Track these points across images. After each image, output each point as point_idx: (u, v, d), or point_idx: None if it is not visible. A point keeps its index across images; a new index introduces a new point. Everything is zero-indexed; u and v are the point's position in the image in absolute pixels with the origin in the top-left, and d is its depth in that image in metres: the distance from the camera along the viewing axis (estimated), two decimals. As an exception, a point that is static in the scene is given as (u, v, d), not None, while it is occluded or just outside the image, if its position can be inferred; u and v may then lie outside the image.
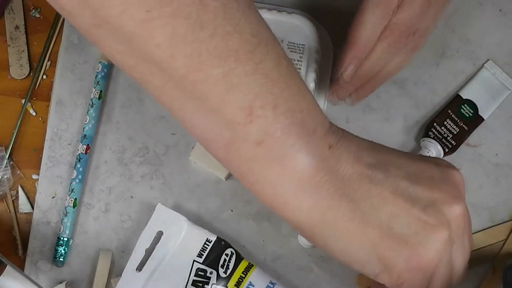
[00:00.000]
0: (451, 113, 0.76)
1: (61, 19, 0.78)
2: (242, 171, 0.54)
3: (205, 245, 0.71)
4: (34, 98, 0.77)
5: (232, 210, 0.74)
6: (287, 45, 0.74)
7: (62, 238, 0.72)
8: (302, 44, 0.74)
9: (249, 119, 0.52)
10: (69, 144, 0.75)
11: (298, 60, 0.73)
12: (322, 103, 0.75)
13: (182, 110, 0.53)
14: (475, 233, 0.74)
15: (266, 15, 0.74)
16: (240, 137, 0.52)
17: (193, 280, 0.70)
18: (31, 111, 0.77)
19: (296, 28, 0.74)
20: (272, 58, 0.52)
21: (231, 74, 0.50)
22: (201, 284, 0.70)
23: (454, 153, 0.75)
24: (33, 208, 0.74)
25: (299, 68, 0.73)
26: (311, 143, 0.53)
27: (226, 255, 0.71)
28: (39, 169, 0.75)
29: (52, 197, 0.74)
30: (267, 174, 0.54)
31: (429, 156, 0.61)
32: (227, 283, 0.70)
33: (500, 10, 0.79)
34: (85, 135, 0.74)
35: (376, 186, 0.55)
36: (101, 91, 0.75)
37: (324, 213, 0.54)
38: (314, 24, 0.74)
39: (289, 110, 0.52)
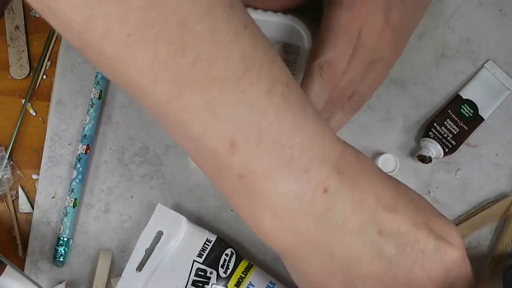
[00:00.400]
0: (451, 113, 0.76)
1: (61, 19, 0.78)
2: (226, 195, 0.53)
3: (205, 245, 0.71)
4: (34, 98, 0.77)
5: (232, 210, 0.74)
6: (283, 47, 0.73)
7: (62, 238, 0.72)
8: (297, 46, 0.74)
9: (231, 152, 0.49)
10: (69, 144, 0.75)
11: (292, 62, 0.73)
12: None
13: (170, 132, 0.51)
14: (462, 222, 0.75)
15: (261, 16, 0.73)
16: (223, 167, 0.50)
17: (193, 280, 0.70)
18: (31, 111, 0.77)
19: (291, 30, 0.74)
20: (263, 85, 0.49)
21: (213, 103, 0.48)
22: (201, 284, 0.70)
23: (454, 153, 0.75)
24: (33, 208, 0.74)
25: (293, 70, 0.73)
26: (298, 185, 0.50)
27: (226, 255, 0.71)
28: (39, 169, 0.75)
29: (52, 197, 0.74)
30: (247, 205, 0.52)
31: (442, 218, 0.57)
32: (227, 283, 0.70)
33: (500, 10, 0.79)
34: (85, 135, 0.74)
35: (360, 246, 0.52)
36: (101, 91, 0.75)
37: (297, 255, 0.53)
38: (309, 25, 0.74)
39: (275, 145, 0.49)
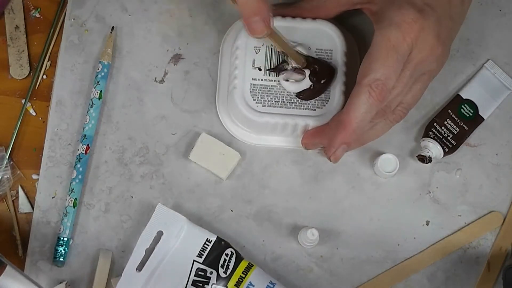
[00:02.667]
0: (451, 113, 0.76)
1: (61, 19, 0.78)
2: None
3: (205, 245, 0.71)
4: (34, 98, 0.77)
5: (232, 210, 0.74)
6: (315, 51, 0.73)
7: (62, 238, 0.72)
8: (330, 50, 0.74)
9: None
10: (69, 144, 0.75)
11: None
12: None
13: None
14: (462, 228, 0.75)
15: (291, 23, 0.74)
16: None
17: (193, 280, 0.70)
18: (31, 111, 0.77)
19: (321, 34, 0.74)
20: None
21: None
22: (201, 284, 0.70)
23: (454, 153, 0.75)
24: (33, 208, 0.74)
25: None
26: None
27: (226, 255, 0.71)
28: (39, 169, 0.75)
29: (52, 197, 0.74)
30: None
31: None
32: (227, 283, 0.70)
33: (500, 10, 0.79)
34: (85, 135, 0.74)
35: None
36: (101, 91, 0.75)
37: None
38: (339, 28, 0.74)
39: None
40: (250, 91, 0.73)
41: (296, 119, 0.72)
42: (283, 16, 0.74)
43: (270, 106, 0.73)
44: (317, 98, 0.73)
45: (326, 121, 0.72)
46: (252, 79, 0.73)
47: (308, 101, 0.73)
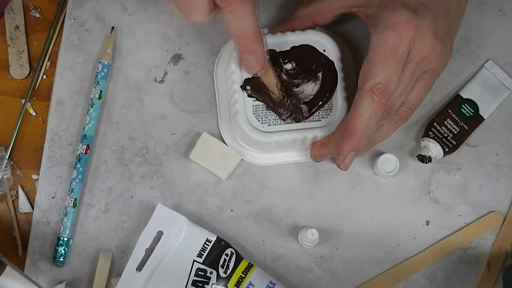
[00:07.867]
0: (451, 113, 0.76)
1: (61, 19, 0.78)
2: None
3: (205, 245, 0.71)
4: (34, 98, 0.77)
5: (232, 210, 0.74)
6: None
7: (62, 238, 0.72)
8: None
9: None
10: (69, 144, 0.75)
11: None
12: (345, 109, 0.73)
13: None
14: (462, 228, 0.75)
15: (281, 39, 0.73)
16: None
17: (193, 280, 0.70)
18: (31, 111, 0.77)
19: (312, 43, 0.74)
20: None
21: None
22: (201, 284, 0.70)
23: (454, 153, 0.75)
24: (33, 208, 0.74)
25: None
26: None
27: (226, 255, 0.71)
28: (39, 169, 0.75)
29: (52, 197, 0.74)
30: None
31: None
32: (227, 283, 0.70)
33: (500, 10, 0.79)
34: (85, 135, 0.74)
35: None
36: (101, 91, 0.75)
37: None
38: (329, 34, 0.74)
39: None
40: (253, 113, 0.72)
41: (304, 133, 0.72)
42: (283, 31, 0.74)
43: (275, 124, 0.72)
44: (321, 108, 0.73)
45: (333, 130, 0.72)
46: (253, 100, 0.73)
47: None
